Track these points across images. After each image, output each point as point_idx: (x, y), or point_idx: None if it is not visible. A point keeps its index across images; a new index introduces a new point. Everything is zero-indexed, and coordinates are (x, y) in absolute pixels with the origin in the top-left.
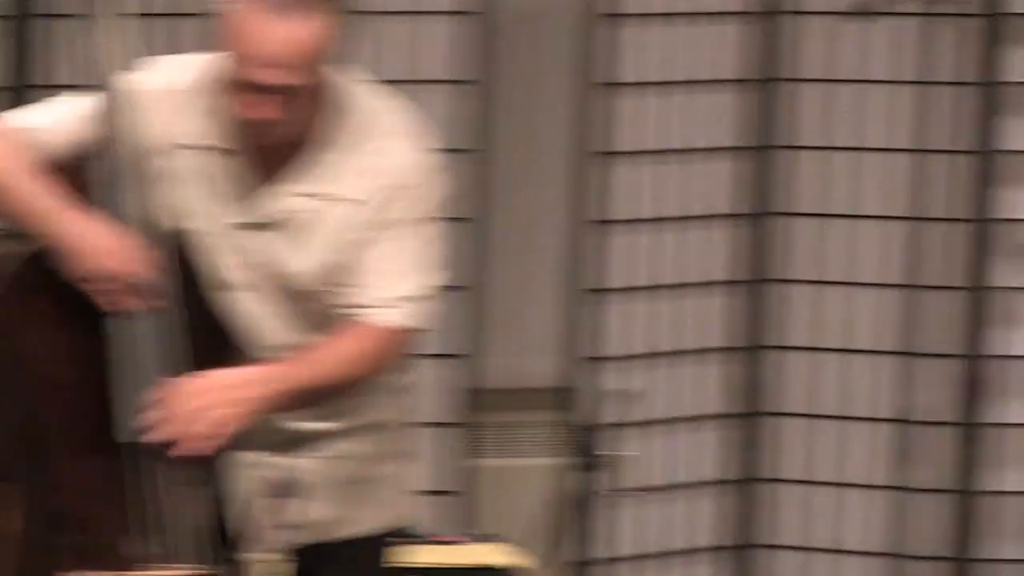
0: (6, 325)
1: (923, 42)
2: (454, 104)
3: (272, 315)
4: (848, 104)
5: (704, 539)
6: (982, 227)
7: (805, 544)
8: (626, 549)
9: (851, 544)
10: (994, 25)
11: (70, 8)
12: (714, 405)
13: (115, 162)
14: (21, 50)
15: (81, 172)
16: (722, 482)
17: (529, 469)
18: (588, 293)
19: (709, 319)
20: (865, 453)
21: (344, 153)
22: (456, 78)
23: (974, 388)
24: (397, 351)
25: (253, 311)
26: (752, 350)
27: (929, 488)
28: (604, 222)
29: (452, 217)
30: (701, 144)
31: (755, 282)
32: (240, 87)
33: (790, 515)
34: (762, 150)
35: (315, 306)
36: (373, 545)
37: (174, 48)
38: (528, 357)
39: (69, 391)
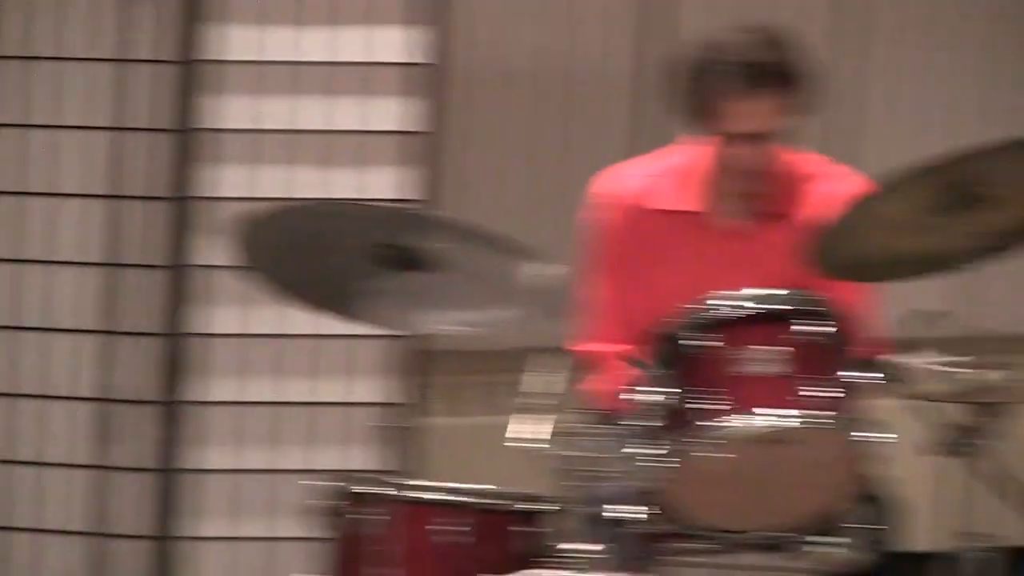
0: None
1: (121, 19)
2: None
3: None
4: (46, 82)
5: None
6: (182, 205)
7: (7, 524)
8: None
9: (51, 523)
10: (192, 4)
11: None
12: None
13: None
14: None
15: None
16: None
17: None
18: None
19: None
20: (65, 432)
21: None
22: None
23: (175, 366)
24: None
25: None
26: None
27: (130, 467)
28: None
29: None
30: None
31: None
32: None
33: None
34: None
35: None
36: None
37: None
38: None
39: None
